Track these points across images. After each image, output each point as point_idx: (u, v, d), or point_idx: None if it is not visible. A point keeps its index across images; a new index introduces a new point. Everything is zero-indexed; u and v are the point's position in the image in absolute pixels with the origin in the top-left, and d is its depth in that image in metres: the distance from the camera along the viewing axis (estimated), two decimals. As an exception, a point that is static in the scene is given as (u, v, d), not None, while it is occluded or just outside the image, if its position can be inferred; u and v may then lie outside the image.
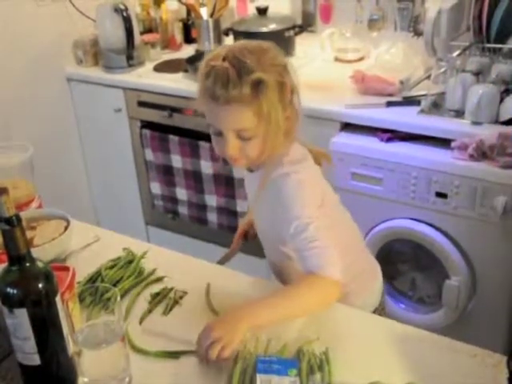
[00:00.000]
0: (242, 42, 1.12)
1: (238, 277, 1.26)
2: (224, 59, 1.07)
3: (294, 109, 1.15)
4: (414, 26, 2.21)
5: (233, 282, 1.24)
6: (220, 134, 1.12)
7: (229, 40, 2.52)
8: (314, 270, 1.09)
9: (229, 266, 1.31)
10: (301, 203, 1.12)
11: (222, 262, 1.48)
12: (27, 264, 0.88)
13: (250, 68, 1.05)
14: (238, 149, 1.11)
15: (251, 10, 2.65)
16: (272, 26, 2.39)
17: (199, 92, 1.11)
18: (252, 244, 1.46)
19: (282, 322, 1.08)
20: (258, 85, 1.05)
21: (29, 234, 1.28)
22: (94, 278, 1.23)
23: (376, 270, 1.41)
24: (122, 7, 2.46)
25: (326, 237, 1.11)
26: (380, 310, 1.38)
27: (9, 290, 0.87)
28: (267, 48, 1.11)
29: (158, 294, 1.20)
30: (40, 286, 0.88)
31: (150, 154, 2.50)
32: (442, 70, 1.96)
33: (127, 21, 2.47)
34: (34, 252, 0.90)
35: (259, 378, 0.93)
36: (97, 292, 1.04)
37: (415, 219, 1.88)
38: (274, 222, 1.18)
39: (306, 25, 2.60)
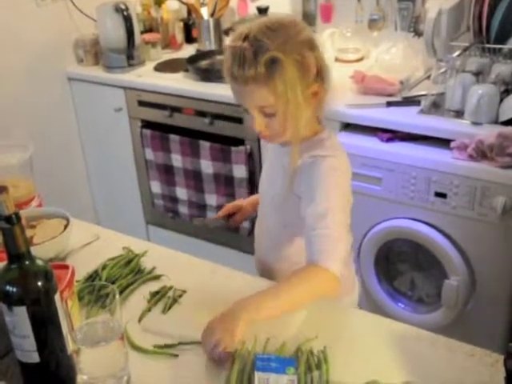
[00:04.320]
0: (264, 19, 1.11)
1: (238, 275, 1.26)
2: (244, 39, 1.07)
3: (322, 84, 1.13)
4: (414, 26, 2.21)
5: (232, 281, 1.24)
6: (248, 111, 1.14)
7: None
8: (315, 257, 1.08)
9: (228, 265, 1.31)
10: (328, 187, 1.11)
11: (195, 222, 1.50)
12: (27, 262, 0.88)
13: (265, 47, 1.05)
14: (263, 125, 1.13)
15: (252, 10, 2.66)
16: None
17: (224, 73, 1.13)
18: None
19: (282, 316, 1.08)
20: (272, 63, 1.05)
21: (28, 232, 1.28)
22: (93, 277, 1.23)
23: (353, 286, 1.39)
24: (123, 7, 2.47)
25: (340, 231, 1.10)
26: None
27: (8, 288, 0.87)
28: (289, 23, 1.10)
29: (157, 292, 1.20)
30: (39, 284, 0.88)
31: (150, 154, 2.51)
32: (442, 70, 1.97)
33: (128, 20, 2.48)
34: (34, 250, 0.90)
35: (257, 375, 0.93)
36: (93, 290, 1.03)
37: (414, 219, 1.88)
38: (297, 199, 1.17)
39: (306, 25, 2.61)
